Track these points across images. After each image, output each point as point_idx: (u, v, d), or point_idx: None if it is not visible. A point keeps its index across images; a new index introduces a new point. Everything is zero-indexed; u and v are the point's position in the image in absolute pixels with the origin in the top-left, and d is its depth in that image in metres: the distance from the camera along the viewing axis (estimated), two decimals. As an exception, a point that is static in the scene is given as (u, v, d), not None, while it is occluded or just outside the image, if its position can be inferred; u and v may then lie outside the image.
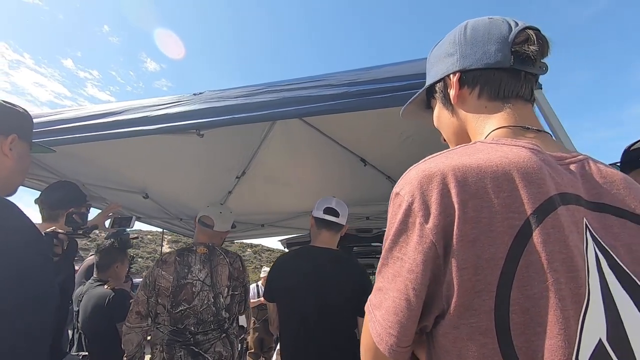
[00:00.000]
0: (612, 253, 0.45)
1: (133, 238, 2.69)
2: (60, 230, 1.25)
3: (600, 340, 0.40)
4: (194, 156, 2.37)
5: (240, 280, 1.83)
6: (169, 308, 1.68)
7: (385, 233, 0.52)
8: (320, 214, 1.66)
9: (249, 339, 5.01)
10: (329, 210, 1.67)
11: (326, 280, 1.47)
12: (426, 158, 0.52)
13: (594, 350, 0.40)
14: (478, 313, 0.43)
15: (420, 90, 0.73)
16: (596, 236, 0.46)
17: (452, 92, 0.64)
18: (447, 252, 0.45)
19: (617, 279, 0.44)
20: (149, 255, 25.13)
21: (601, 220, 0.47)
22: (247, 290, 1.91)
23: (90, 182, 2.40)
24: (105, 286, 2.15)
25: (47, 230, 1.24)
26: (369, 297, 0.55)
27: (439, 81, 0.66)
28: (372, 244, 4.49)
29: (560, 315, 0.40)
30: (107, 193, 2.62)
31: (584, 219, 0.46)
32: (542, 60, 0.59)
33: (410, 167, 0.52)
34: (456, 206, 0.45)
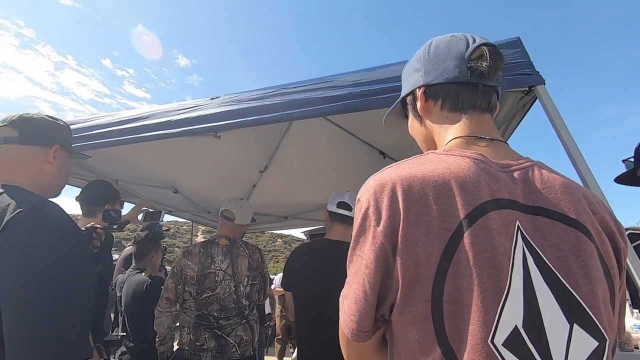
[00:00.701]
0: (539, 251, 0.50)
1: (166, 230, 2.91)
2: (98, 226, 1.41)
3: (516, 326, 0.46)
4: (219, 153, 2.50)
5: (259, 270, 1.94)
6: (195, 295, 1.83)
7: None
8: (333, 208, 1.73)
9: (277, 326, 5.22)
10: (342, 205, 1.73)
11: (334, 271, 1.55)
12: (384, 168, 0.58)
13: (509, 334, 0.46)
14: (418, 302, 0.49)
15: (395, 102, 0.78)
16: (526, 236, 0.51)
17: (418, 104, 0.69)
18: (394, 250, 0.51)
19: (541, 274, 0.49)
20: (184, 245, 26.37)
21: (534, 222, 0.52)
22: (266, 280, 2.01)
23: (125, 179, 2.60)
24: (143, 274, 2.35)
25: (87, 225, 1.41)
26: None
27: (409, 94, 0.71)
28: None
29: (481, 305, 0.46)
30: (140, 189, 2.82)
31: (517, 222, 0.51)
32: (499, 73, 0.63)
33: (370, 177, 0.58)
34: (402, 211, 0.51)
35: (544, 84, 1.13)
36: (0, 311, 0.71)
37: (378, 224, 0.53)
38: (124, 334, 1.92)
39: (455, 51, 0.63)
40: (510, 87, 1.17)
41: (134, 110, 1.66)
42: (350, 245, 0.58)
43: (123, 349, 2.19)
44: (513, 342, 0.45)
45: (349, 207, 1.72)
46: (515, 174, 0.55)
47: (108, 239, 1.58)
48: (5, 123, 0.93)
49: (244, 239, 2.16)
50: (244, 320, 1.85)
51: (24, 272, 0.72)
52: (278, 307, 5.18)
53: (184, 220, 3.59)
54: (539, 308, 0.47)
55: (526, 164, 0.57)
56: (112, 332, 2.56)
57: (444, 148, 0.62)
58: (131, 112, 1.65)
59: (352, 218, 1.72)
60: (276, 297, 5.03)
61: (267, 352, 4.86)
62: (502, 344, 0.45)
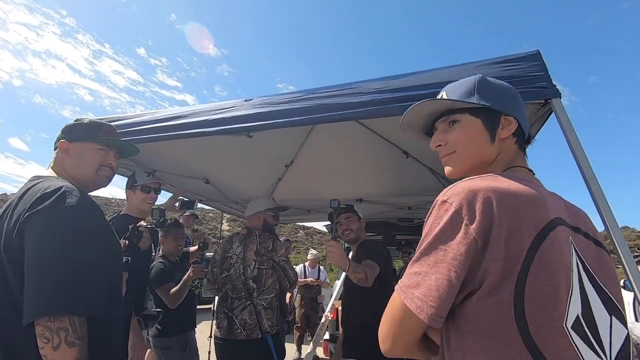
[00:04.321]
0: (584, 260, 0.67)
1: (167, 220, 3.22)
2: (142, 224, 1.64)
3: (578, 315, 0.61)
4: (248, 147, 2.64)
5: (266, 257, 2.12)
6: (218, 274, 2.15)
7: (426, 232, 0.66)
8: None
9: (296, 315, 5.38)
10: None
11: None
12: (465, 179, 0.69)
13: (574, 320, 0.61)
14: (503, 291, 0.59)
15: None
16: (577, 249, 0.67)
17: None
18: (484, 246, 0.60)
19: (588, 279, 0.65)
20: (210, 232, 27.24)
21: (578, 239, 0.69)
22: (283, 268, 2.16)
23: (162, 170, 2.80)
24: (156, 259, 2.56)
25: (131, 226, 1.63)
26: (401, 280, 0.69)
27: None
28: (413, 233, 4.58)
29: (556, 297, 0.60)
30: (175, 179, 3.03)
31: (570, 236, 0.67)
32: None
33: (454, 184, 0.68)
34: (495, 215, 0.61)
35: (560, 97, 1.17)
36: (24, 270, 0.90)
37: (471, 223, 0.61)
38: (160, 310, 2.12)
39: None
40: (527, 99, 1.22)
41: (175, 109, 1.82)
42: (427, 240, 0.66)
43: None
44: (577, 326, 0.61)
45: None
46: (561, 200, 0.73)
47: (153, 232, 1.84)
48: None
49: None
50: (249, 303, 2.04)
51: (41, 241, 0.92)
52: (298, 297, 5.34)
53: (210, 208, 3.80)
54: (589, 303, 0.64)
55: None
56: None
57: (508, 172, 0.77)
58: (172, 110, 1.81)
59: None
60: (296, 287, 5.18)
61: (286, 339, 5.06)
62: (571, 327, 0.60)
